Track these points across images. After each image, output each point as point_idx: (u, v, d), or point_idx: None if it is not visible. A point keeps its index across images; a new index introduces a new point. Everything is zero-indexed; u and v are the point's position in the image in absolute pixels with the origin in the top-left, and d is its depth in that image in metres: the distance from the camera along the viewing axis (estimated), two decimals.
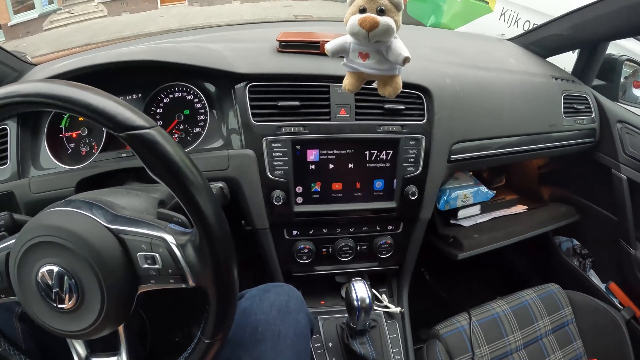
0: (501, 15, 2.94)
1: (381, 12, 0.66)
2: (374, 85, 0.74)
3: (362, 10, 0.66)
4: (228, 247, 0.61)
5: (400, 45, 0.67)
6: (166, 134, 0.57)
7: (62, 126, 1.02)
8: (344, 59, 0.72)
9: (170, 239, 0.61)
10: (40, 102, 0.55)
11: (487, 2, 3.06)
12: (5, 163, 0.98)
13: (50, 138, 1.01)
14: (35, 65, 1.25)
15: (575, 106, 1.35)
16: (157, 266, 0.61)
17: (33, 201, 0.96)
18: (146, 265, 0.61)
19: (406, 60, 0.67)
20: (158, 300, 0.66)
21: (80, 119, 1.01)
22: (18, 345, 0.74)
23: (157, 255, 0.61)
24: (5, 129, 0.98)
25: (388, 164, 1.04)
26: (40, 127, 1.01)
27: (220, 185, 0.88)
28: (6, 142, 0.98)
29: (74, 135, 1.02)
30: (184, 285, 0.62)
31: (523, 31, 2.58)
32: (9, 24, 7.96)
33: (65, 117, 1.02)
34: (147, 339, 1.27)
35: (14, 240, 0.63)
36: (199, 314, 1.04)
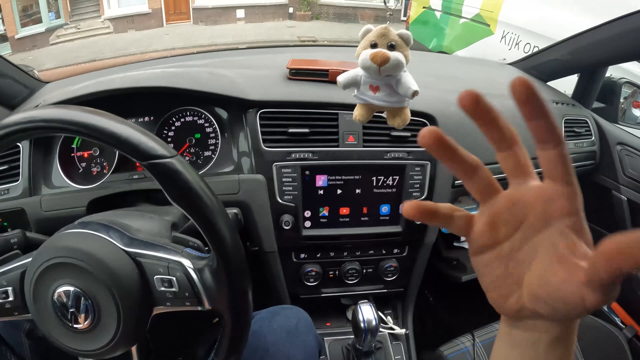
0: (502, 37, 2.98)
1: (391, 47, 0.68)
2: (383, 115, 0.77)
3: (374, 45, 0.69)
4: (244, 272, 0.63)
5: (409, 79, 0.70)
6: (186, 162, 0.59)
7: (74, 145, 1.03)
8: (355, 90, 0.74)
9: (187, 263, 0.62)
10: (63, 128, 0.56)
11: (489, 25, 3.10)
12: (17, 180, 0.99)
13: (62, 157, 1.02)
14: (45, 82, 1.27)
15: (576, 130, 1.37)
16: (173, 289, 0.62)
17: (44, 219, 0.96)
18: (163, 288, 0.63)
19: (415, 94, 0.69)
20: (161, 319, 0.67)
21: None
22: None
23: (174, 278, 0.62)
24: (18, 146, 0.99)
25: (394, 190, 1.06)
26: (52, 145, 1.02)
27: (235, 211, 0.90)
28: (18, 160, 0.99)
29: (86, 155, 1.03)
30: (199, 308, 0.64)
31: (524, 53, 2.62)
32: (16, 36, 8.03)
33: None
34: (149, 358, 1.27)
35: (29, 259, 0.63)
36: (202, 335, 1.05)
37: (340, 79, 0.73)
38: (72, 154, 1.03)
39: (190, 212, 0.59)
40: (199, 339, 1.05)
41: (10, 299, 0.64)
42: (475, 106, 0.34)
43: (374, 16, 11.58)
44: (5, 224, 0.99)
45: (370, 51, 0.67)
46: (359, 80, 0.72)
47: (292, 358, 0.85)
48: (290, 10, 11.74)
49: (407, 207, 0.38)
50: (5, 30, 8.31)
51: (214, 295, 0.63)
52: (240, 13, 10.81)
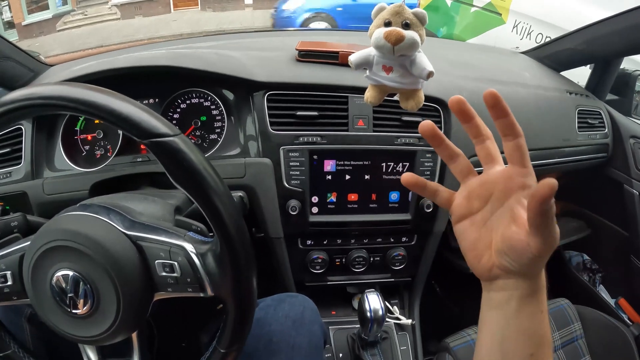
0: (514, 27, 2.94)
1: (406, 26, 0.65)
2: (396, 98, 0.74)
3: (387, 24, 0.66)
4: (248, 257, 0.61)
5: (424, 60, 0.67)
6: (189, 141, 0.57)
7: (78, 128, 1.02)
8: (367, 71, 0.71)
9: (189, 247, 0.61)
10: (62, 106, 0.54)
11: (500, 14, 3.06)
12: (20, 163, 0.98)
13: (66, 140, 1.01)
14: (50, 65, 1.26)
15: (589, 121, 1.35)
16: (175, 274, 0.61)
17: (46, 202, 0.96)
18: (164, 273, 0.61)
19: (430, 74, 0.66)
20: (165, 305, 0.66)
21: (97, 121, 1.01)
22: (27, 347, 0.73)
23: (175, 263, 0.60)
24: (20, 128, 0.99)
25: None
26: (55, 128, 1.01)
27: (240, 194, 0.88)
28: (21, 142, 0.98)
29: (89, 137, 1.02)
30: (202, 295, 0.62)
31: (536, 44, 2.58)
32: (23, 23, 8.04)
33: (81, 119, 1.02)
34: (153, 344, 1.27)
35: (28, 243, 0.62)
36: (206, 320, 1.04)
37: (352, 58, 0.70)
38: (76, 137, 1.02)
39: (193, 193, 0.57)
40: (203, 325, 1.04)
41: (9, 283, 0.63)
42: (461, 108, 0.49)
43: None
44: (7, 207, 0.98)
45: (384, 29, 0.65)
46: (372, 60, 0.69)
47: (296, 347, 0.84)
48: None
49: (406, 176, 0.53)
50: (12, 16, 8.31)
51: (217, 281, 0.61)
52: None
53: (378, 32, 0.65)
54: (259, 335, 0.84)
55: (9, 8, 8.24)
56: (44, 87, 0.56)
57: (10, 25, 8.14)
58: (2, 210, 0.98)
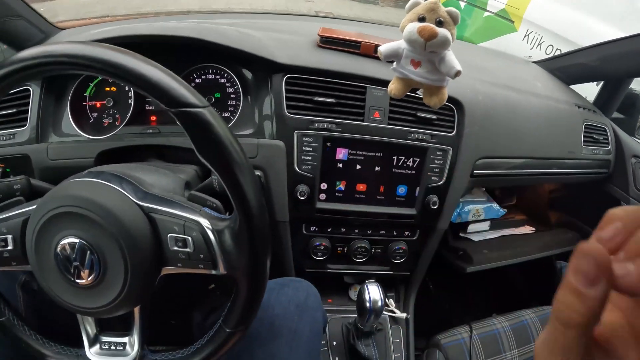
0: (525, 36, 2.92)
1: (440, 23, 0.65)
2: (419, 93, 0.74)
3: (421, 19, 0.66)
4: (266, 238, 0.60)
5: (453, 59, 0.67)
6: (217, 115, 0.56)
7: (87, 94, 1.00)
8: (394, 63, 0.71)
9: (205, 223, 0.59)
10: (88, 66, 0.53)
11: (513, 22, 3.04)
12: (25, 125, 0.96)
13: (74, 105, 0.98)
14: (61, 29, 1.23)
15: (595, 136, 1.36)
16: (187, 250, 0.60)
17: (49, 167, 0.94)
18: (176, 248, 0.60)
19: (458, 73, 0.66)
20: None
21: (108, 89, 1.00)
22: (20, 314, 0.71)
23: (189, 238, 0.59)
24: (28, 89, 0.96)
25: (413, 171, 1.04)
26: (65, 92, 0.99)
27: (259, 174, 0.86)
28: (27, 104, 0.96)
29: (98, 105, 1.00)
30: (213, 272, 0.61)
31: (545, 54, 2.58)
32: None
33: (92, 85, 0.99)
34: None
35: (33, 207, 0.61)
36: (198, 299, 1.03)
37: (382, 49, 0.69)
38: (84, 103, 1.00)
39: (218, 167, 0.56)
40: (194, 303, 1.03)
41: (9, 247, 0.62)
42: None
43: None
44: (8, 170, 0.96)
45: (418, 24, 0.64)
46: (401, 53, 0.68)
47: (298, 332, 0.83)
48: None
49: None
50: None
51: (232, 259, 0.60)
52: None
53: (411, 27, 0.65)
54: (261, 318, 0.83)
55: None
56: (70, 46, 0.53)
57: None
58: (2, 173, 0.95)
